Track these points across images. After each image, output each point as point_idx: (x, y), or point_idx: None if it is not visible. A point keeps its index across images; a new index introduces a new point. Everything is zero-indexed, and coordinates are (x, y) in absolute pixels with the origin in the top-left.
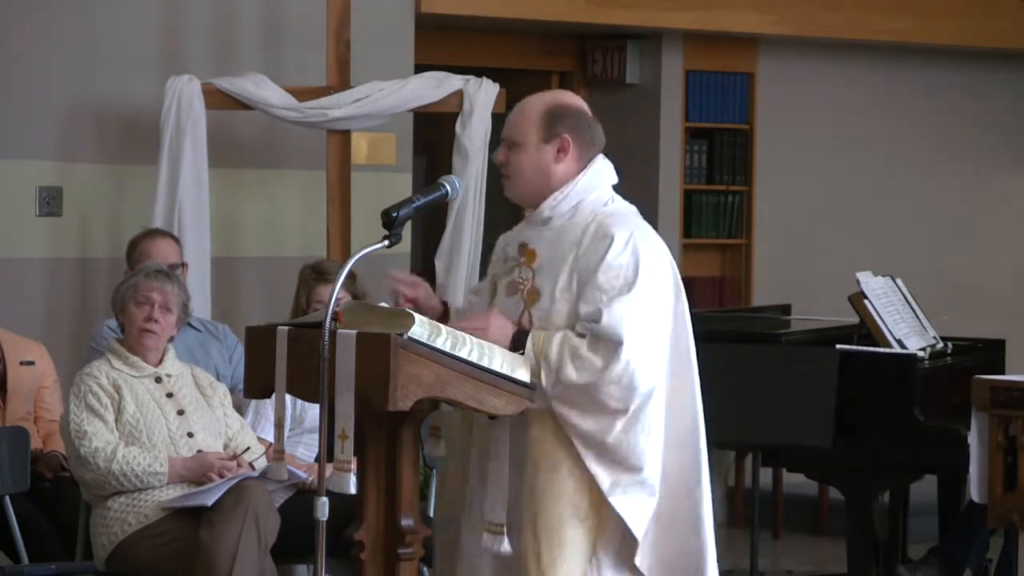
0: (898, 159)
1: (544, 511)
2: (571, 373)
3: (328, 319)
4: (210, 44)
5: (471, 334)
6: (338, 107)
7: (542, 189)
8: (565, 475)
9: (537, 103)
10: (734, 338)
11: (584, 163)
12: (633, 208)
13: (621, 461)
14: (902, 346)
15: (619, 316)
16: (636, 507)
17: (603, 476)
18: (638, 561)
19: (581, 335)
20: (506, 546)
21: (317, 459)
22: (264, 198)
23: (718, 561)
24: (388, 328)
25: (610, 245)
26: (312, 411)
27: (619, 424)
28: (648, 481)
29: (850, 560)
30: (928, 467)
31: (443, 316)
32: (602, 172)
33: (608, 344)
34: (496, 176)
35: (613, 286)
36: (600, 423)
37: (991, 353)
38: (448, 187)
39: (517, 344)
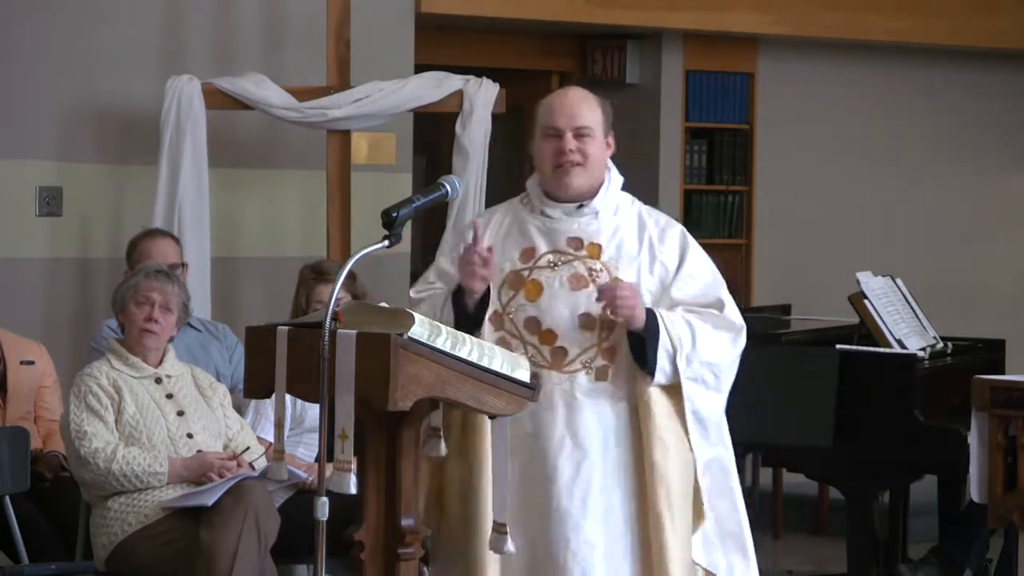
0: (898, 159)
1: (674, 486)
2: (708, 352)
3: (328, 319)
4: (210, 44)
5: (623, 304)
6: (338, 107)
7: (597, 182)
8: (678, 451)
9: (592, 96)
10: None
11: None
12: None
13: (711, 436)
14: (902, 346)
15: (733, 304)
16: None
17: (702, 450)
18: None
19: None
20: (510, 546)
21: (317, 459)
22: (264, 198)
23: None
24: (388, 328)
25: (684, 235)
26: (312, 411)
27: (722, 404)
28: (715, 460)
29: (850, 560)
30: (928, 467)
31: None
32: (616, 171)
33: (733, 329)
34: (496, 176)
35: (705, 274)
36: (716, 402)
37: (991, 353)
38: (448, 187)
39: (649, 319)
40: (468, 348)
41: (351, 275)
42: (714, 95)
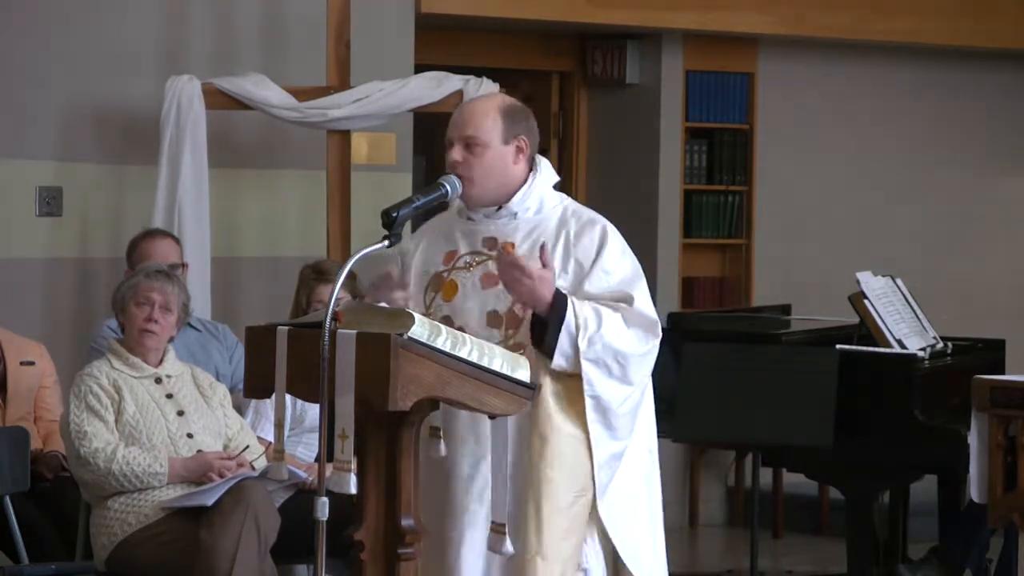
0: (898, 159)
1: (548, 482)
2: (614, 338)
3: (328, 319)
4: (210, 44)
5: (527, 282)
6: (338, 107)
7: (500, 189)
8: (570, 446)
9: (491, 103)
10: (734, 338)
11: (531, 162)
12: None
13: (617, 430)
14: (902, 346)
15: (646, 299)
16: (614, 474)
17: (603, 442)
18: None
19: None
20: (508, 547)
21: (317, 459)
22: (264, 198)
23: (718, 561)
24: (388, 328)
25: (603, 232)
26: (312, 411)
27: (634, 398)
28: (623, 454)
29: (850, 560)
30: (928, 467)
31: None
32: (549, 170)
33: (644, 324)
34: None
35: (622, 269)
36: (622, 393)
37: (991, 353)
38: (448, 187)
39: (557, 301)
40: (468, 348)
41: (351, 275)
42: (714, 95)
